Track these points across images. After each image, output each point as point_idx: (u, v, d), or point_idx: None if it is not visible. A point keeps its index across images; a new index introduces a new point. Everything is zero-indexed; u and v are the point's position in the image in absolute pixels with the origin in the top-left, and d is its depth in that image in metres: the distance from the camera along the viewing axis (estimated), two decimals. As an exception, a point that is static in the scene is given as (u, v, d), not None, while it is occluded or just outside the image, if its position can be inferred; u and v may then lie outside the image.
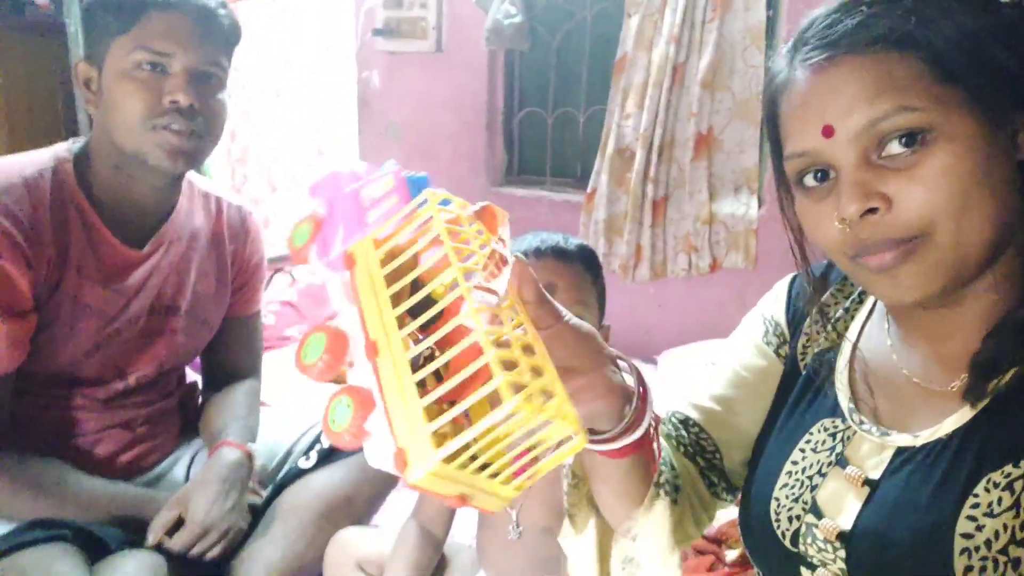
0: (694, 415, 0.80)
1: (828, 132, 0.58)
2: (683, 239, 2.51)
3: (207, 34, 1.06)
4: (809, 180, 0.62)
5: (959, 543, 0.57)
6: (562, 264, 0.92)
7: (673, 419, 0.82)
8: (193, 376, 1.41)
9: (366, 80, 3.07)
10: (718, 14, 2.33)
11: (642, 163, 2.47)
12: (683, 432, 0.80)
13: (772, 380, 0.78)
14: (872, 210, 0.57)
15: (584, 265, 0.94)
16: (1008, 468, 0.57)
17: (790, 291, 0.81)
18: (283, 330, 2.46)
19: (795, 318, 0.79)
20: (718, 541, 1.36)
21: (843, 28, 0.57)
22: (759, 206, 2.45)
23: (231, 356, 1.36)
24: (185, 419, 1.35)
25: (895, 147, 0.56)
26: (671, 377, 2.25)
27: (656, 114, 2.43)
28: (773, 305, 0.81)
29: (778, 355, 0.79)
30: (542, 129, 2.88)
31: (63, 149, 1.11)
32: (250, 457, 1.18)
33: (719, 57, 2.37)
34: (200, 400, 1.39)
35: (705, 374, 0.84)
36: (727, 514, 1.34)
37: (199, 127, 1.06)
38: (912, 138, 0.56)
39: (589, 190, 2.61)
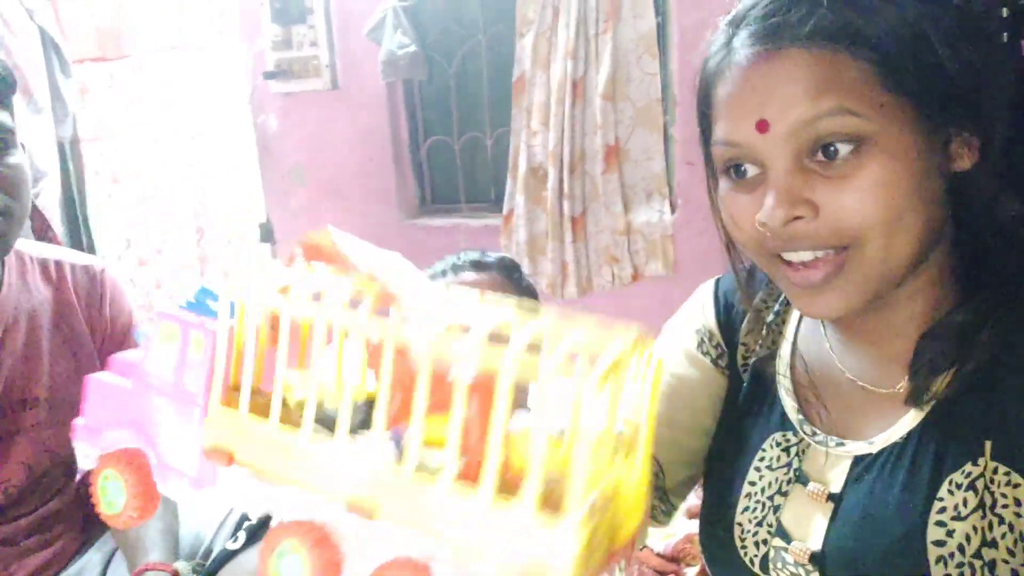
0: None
1: (763, 127, 0.55)
2: (604, 251, 2.52)
3: None
4: (733, 171, 0.59)
5: (933, 551, 0.55)
6: (481, 274, 0.91)
7: None
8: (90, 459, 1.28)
9: (263, 124, 2.98)
10: (610, 25, 2.36)
11: (556, 180, 2.46)
12: None
13: (713, 392, 0.74)
14: (797, 217, 0.54)
15: (503, 273, 0.93)
16: (968, 467, 0.55)
17: (716, 297, 0.77)
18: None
19: (728, 326, 0.75)
20: (676, 560, 1.33)
21: (790, 16, 0.54)
22: (672, 212, 2.48)
23: None
24: (88, 516, 1.23)
25: (829, 152, 0.53)
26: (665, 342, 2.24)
27: (562, 130, 2.44)
28: (702, 315, 0.77)
29: (717, 366, 0.75)
30: (450, 156, 2.85)
31: None
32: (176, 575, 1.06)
33: (616, 68, 2.39)
34: None
35: None
36: (684, 529, 1.31)
37: (1, 204, 0.94)
38: (849, 145, 0.53)
39: (506, 212, 2.59)
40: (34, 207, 2.67)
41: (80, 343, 1.15)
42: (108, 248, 3.15)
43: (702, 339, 0.76)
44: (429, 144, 2.87)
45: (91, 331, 1.16)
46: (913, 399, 0.59)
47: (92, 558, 1.17)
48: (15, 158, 0.98)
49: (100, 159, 3.12)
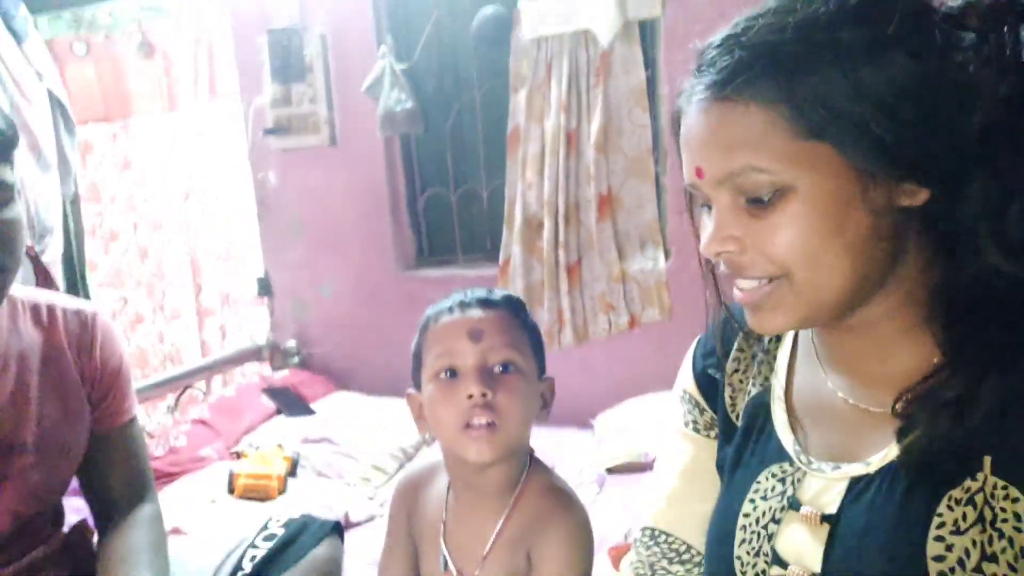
0: (659, 525, 0.79)
1: (699, 174, 0.60)
2: (600, 299, 2.53)
3: None
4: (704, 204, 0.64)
5: (933, 567, 0.54)
6: (488, 311, 0.90)
7: (643, 540, 0.80)
8: (82, 513, 1.26)
9: (262, 180, 3.02)
10: (601, 79, 2.43)
11: (551, 230, 2.50)
12: (655, 549, 0.78)
13: (710, 457, 0.77)
14: (725, 251, 0.60)
15: (510, 311, 0.92)
16: (967, 483, 0.55)
17: (694, 357, 0.81)
18: (196, 450, 2.30)
19: (706, 379, 0.78)
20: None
21: (717, 67, 0.58)
22: (666, 259, 2.50)
23: (112, 478, 1.20)
24: (75, 566, 1.20)
25: (753, 199, 0.58)
26: (609, 440, 2.22)
27: (557, 181, 2.48)
28: (683, 377, 0.81)
29: (701, 434, 0.78)
30: (447, 208, 2.88)
31: None
32: None
33: (607, 120, 2.45)
34: (96, 540, 1.24)
35: (652, 475, 0.83)
36: None
37: None
38: (758, 201, 0.58)
39: (502, 262, 2.62)
40: (39, 263, 2.69)
41: (69, 387, 1.13)
42: (104, 305, 3.16)
43: (685, 408, 0.80)
44: (426, 197, 2.91)
45: (81, 376, 1.15)
46: (904, 464, 0.59)
47: None
48: (12, 213, 0.98)
49: (98, 217, 3.16)
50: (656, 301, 2.49)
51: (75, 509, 1.25)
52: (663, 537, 0.78)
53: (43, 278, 2.65)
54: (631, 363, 2.53)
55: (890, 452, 0.60)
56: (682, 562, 0.77)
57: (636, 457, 2.08)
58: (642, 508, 0.82)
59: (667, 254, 2.51)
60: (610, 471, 2.11)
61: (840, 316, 0.61)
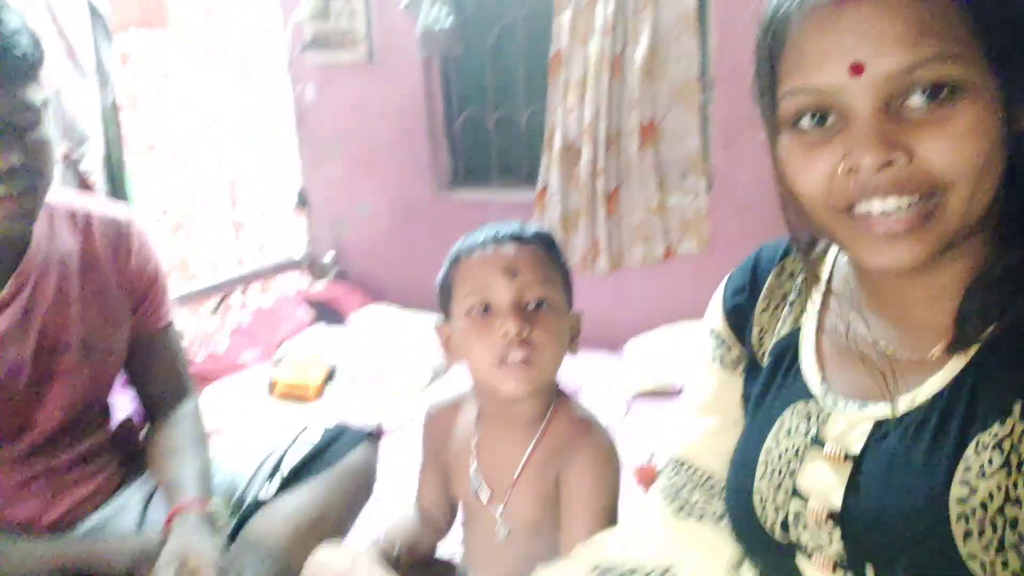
0: (684, 457, 0.79)
1: (858, 70, 0.52)
2: (637, 229, 2.52)
3: (6, 83, 0.92)
4: (806, 122, 0.57)
5: (955, 509, 0.55)
6: (521, 247, 0.91)
7: (668, 470, 0.81)
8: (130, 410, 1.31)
9: (301, 95, 3.01)
10: (649, 3, 2.34)
11: (590, 157, 2.46)
12: (678, 478, 0.79)
13: (736, 391, 0.77)
14: (890, 162, 0.53)
15: (544, 247, 0.93)
16: (995, 428, 0.55)
17: (724, 293, 0.79)
18: (236, 356, 2.37)
19: (736, 316, 0.77)
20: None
21: None
22: (708, 191, 2.47)
23: (153, 378, 1.26)
24: (126, 456, 1.26)
25: (919, 99, 0.52)
26: (638, 365, 2.25)
27: (598, 107, 2.43)
28: (711, 314, 0.80)
29: (726, 367, 0.77)
30: (484, 131, 2.85)
31: None
32: (212, 516, 1.09)
33: (654, 45, 2.38)
34: (144, 434, 1.30)
35: (679, 408, 0.83)
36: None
37: (27, 183, 0.95)
38: (939, 91, 0.52)
39: (539, 188, 2.60)
40: (77, 171, 2.74)
41: (109, 293, 1.17)
42: (144, 214, 3.21)
43: (713, 343, 0.79)
44: (463, 118, 2.88)
45: (118, 282, 1.18)
46: (957, 347, 0.58)
47: (132, 496, 1.21)
48: (39, 135, 0.97)
49: (138, 126, 3.17)
50: (695, 233, 2.47)
51: (123, 406, 1.32)
52: (687, 467, 0.79)
53: (82, 185, 2.70)
54: (665, 292, 2.53)
55: (919, 396, 0.60)
56: (704, 491, 0.78)
57: (665, 385, 2.11)
58: (668, 440, 0.83)
59: (709, 186, 2.47)
60: (638, 396, 2.15)
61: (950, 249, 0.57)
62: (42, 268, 1.08)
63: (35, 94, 0.96)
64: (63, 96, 2.63)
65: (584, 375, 2.19)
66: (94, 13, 2.78)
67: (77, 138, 2.85)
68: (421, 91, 2.83)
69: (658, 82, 2.43)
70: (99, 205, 1.21)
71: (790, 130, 0.59)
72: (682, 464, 0.80)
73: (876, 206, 0.54)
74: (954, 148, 0.52)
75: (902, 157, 0.53)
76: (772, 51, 0.59)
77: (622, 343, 2.42)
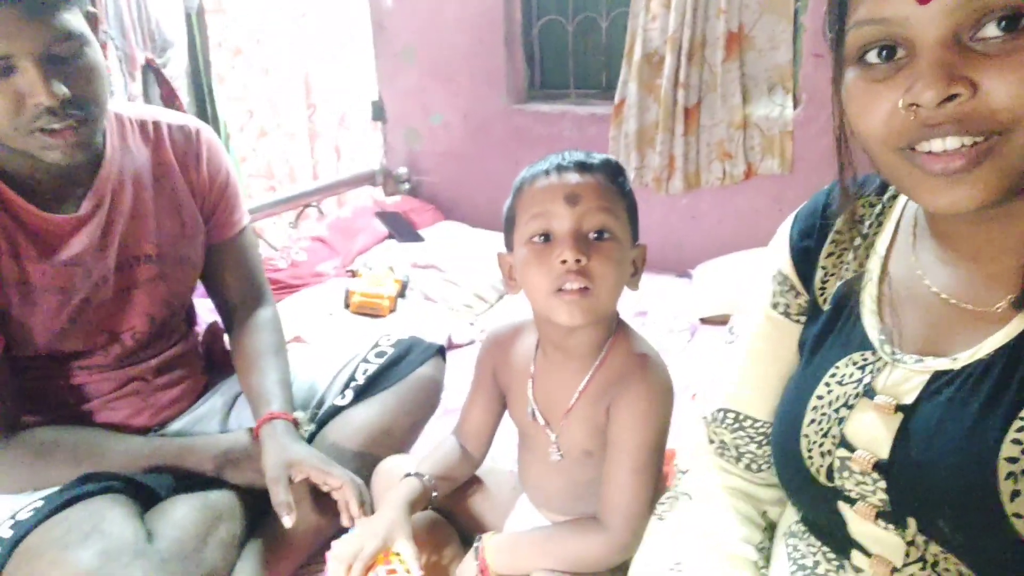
0: (731, 406, 0.79)
1: None
2: (717, 146, 2.42)
3: (43, 9, 0.91)
4: (872, 56, 0.55)
5: (1004, 467, 0.54)
6: (584, 174, 0.89)
7: (715, 417, 0.81)
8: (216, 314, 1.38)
9: (379, 3, 2.96)
10: (746, -102, 2.16)
11: (672, 68, 2.35)
12: (724, 426, 0.80)
13: (794, 342, 0.75)
14: (952, 97, 0.50)
15: (608, 176, 0.91)
16: None
17: (790, 235, 0.76)
18: (315, 266, 2.47)
19: (802, 259, 0.74)
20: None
21: None
22: (795, 107, 2.34)
23: (230, 284, 1.30)
24: (211, 360, 1.35)
25: (992, 29, 0.49)
26: (706, 291, 2.22)
27: (684, 13, 2.30)
28: (777, 256, 0.77)
29: (790, 318, 0.75)
30: (563, 39, 2.75)
31: None
32: (296, 424, 1.16)
33: (748, -53, 2.21)
34: (227, 339, 1.37)
35: (726, 354, 0.82)
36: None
37: (79, 111, 0.95)
38: (1016, 20, 0.49)
39: (617, 101, 2.51)
40: (161, 76, 2.81)
41: (182, 202, 1.19)
42: (232, 118, 3.29)
43: (775, 289, 0.76)
44: (541, 24, 2.78)
45: (190, 189, 1.20)
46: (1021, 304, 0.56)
47: (216, 401, 1.30)
48: (85, 60, 0.96)
49: (224, 31, 3.21)
50: (778, 151, 2.36)
51: (210, 309, 1.39)
52: (734, 415, 0.79)
53: (167, 91, 2.77)
54: (742, 215, 2.46)
55: (980, 350, 0.58)
56: (752, 437, 0.79)
57: (733, 311, 2.07)
58: (716, 387, 0.83)
59: (796, 101, 2.34)
60: (704, 321, 2.13)
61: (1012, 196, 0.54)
62: (117, 182, 1.10)
63: (74, 20, 0.94)
64: (147, 2, 2.66)
65: (650, 299, 2.18)
66: (177, -83, 2.77)
67: (160, 44, 2.91)
68: (500, -5, 2.74)
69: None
70: (168, 115, 1.21)
71: (856, 64, 0.56)
72: (729, 413, 0.80)
73: (936, 145, 0.52)
74: (1020, 83, 0.49)
75: (965, 91, 0.50)
76: None
77: (692, 267, 2.39)
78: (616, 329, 0.97)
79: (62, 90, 0.92)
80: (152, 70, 2.66)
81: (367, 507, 1.07)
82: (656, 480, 0.92)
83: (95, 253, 1.08)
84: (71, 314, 1.06)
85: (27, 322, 1.03)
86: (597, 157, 0.92)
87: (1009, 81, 0.49)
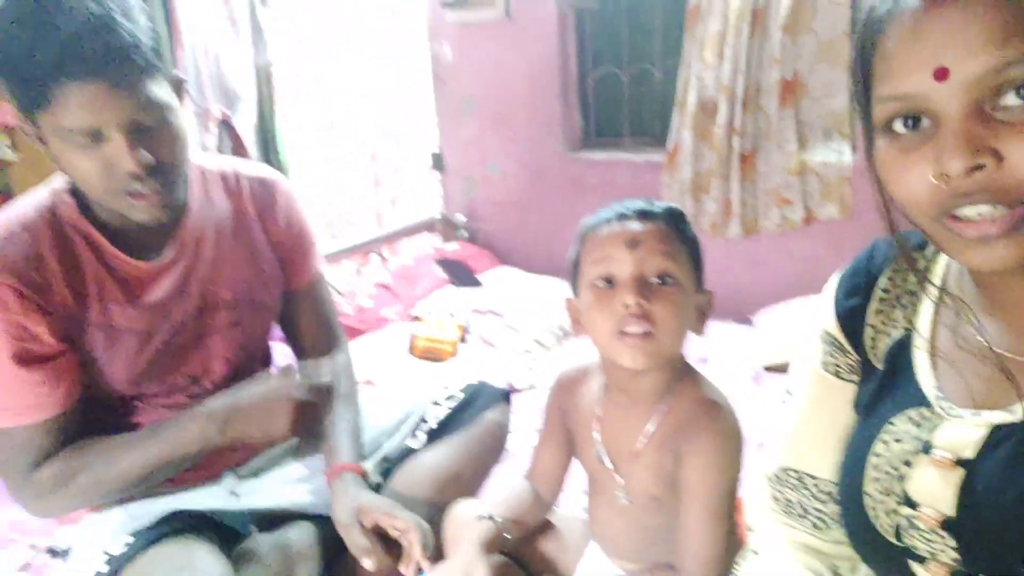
0: (793, 465, 0.80)
1: (942, 75, 0.52)
2: (774, 192, 2.43)
3: (130, 84, 0.94)
4: (899, 126, 0.56)
5: None
6: (647, 222, 0.92)
7: (777, 479, 0.81)
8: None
9: (439, 55, 3.08)
10: (799, -48, 2.21)
11: (726, 115, 2.39)
12: (787, 487, 0.80)
13: (847, 401, 0.76)
14: (978, 167, 0.51)
15: (669, 223, 0.93)
16: None
17: (836, 296, 0.76)
18: (380, 311, 2.54)
19: (848, 319, 0.74)
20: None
21: None
22: (852, 152, 2.34)
23: (304, 328, 1.34)
24: None
25: (1012, 98, 0.51)
26: (769, 338, 2.20)
27: (737, 63, 2.34)
28: (823, 317, 0.77)
29: (841, 377, 0.76)
30: (618, 88, 2.82)
31: (61, 181, 1.07)
32: (364, 475, 1.19)
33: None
34: None
35: (784, 413, 0.82)
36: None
37: (162, 175, 0.99)
38: None
39: (670, 148, 2.55)
40: (231, 128, 2.96)
41: (259, 249, 1.23)
42: (297, 169, 3.43)
43: (824, 349, 0.77)
44: (597, 75, 2.86)
45: (267, 238, 1.24)
46: None
47: (293, 439, 1.31)
48: (168, 130, 1.00)
49: (290, 85, 3.37)
50: (836, 197, 2.35)
51: (286, 356, 1.45)
52: (796, 474, 0.79)
53: (236, 143, 2.91)
54: (802, 261, 2.45)
55: None
56: (815, 496, 0.79)
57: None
58: (776, 447, 0.83)
59: (853, 147, 2.34)
60: (768, 369, 2.11)
61: None
62: (199, 231, 1.15)
63: (158, 90, 0.98)
64: (221, 59, 2.81)
65: (711, 345, 2.18)
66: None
67: (231, 98, 3.08)
68: (556, 48, 2.82)
69: (803, 37, 2.30)
70: (247, 167, 1.26)
71: (885, 133, 0.58)
72: (791, 473, 0.80)
73: (970, 212, 0.53)
74: None
75: (991, 161, 0.51)
76: (864, 54, 0.58)
77: (752, 313, 2.38)
78: (683, 374, 0.98)
79: (147, 158, 0.96)
80: (223, 123, 2.79)
81: (429, 551, 1.07)
82: (729, 526, 0.92)
83: (176, 298, 1.13)
84: (150, 357, 1.11)
85: (109, 363, 1.08)
86: (659, 205, 0.94)
87: None
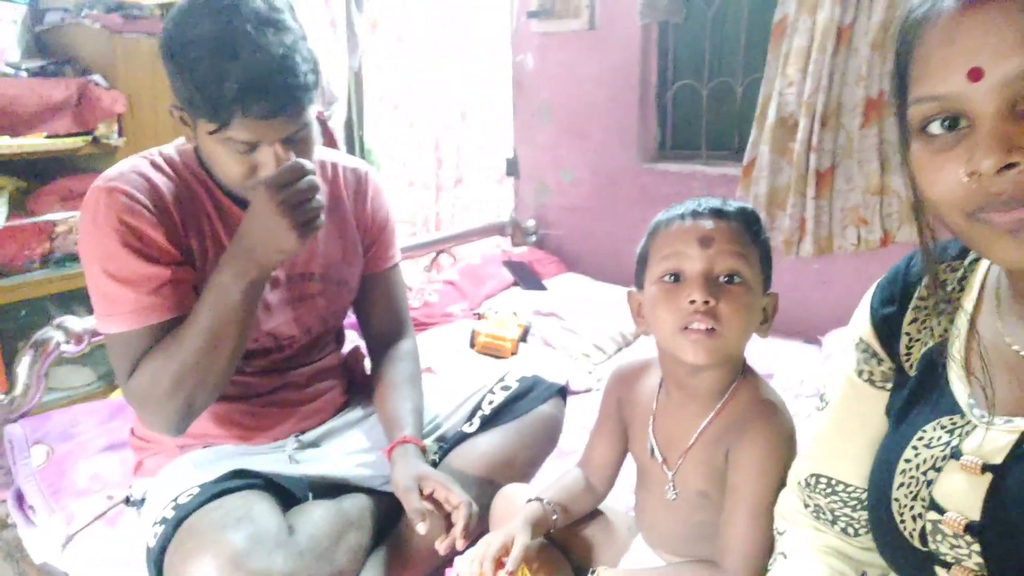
0: (824, 471, 0.80)
1: (976, 75, 0.53)
2: (852, 211, 2.37)
3: (293, 113, 1.05)
4: (935, 127, 0.57)
5: None
6: (720, 220, 0.92)
7: (807, 483, 0.82)
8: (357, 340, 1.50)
9: (521, 63, 3.14)
10: (891, -32, 2.16)
11: (806, 132, 2.34)
12: (818, 492, 0.80)
13: (880, 408, 0.76)
14: (1011, 165, 0.52)
15: (742, 222, 0.93)
16: None
17: (871, 304, 0.77)
18: (445, 307, 2.60)
19: (883, 326, 0.75)
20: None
21: None
22: (938, 174, 2.26)
23: (377, 312, 1.42)
24: (352, 380, 1.45)
25: None
26: (837, 358, 2.14)
27: (820, 79, 2.30)
28: (859, 324, 0.78)
29: (875, 385, 0.76)
30: (696, 102, 2.81)
31: (186, 139, 1.16)
32: (424, 451, 1.23)
33: (889, 16, 2.20)
34: (367, 363, 1.48)
35: (817, 420, 0.83)
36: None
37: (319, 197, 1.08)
38: None
39: (746, 162, 2.53)
40: (325, 126, 3.10)
41: (347, 230, 1.34)
42: (385, 168, 3.55)
43: (859, 357, 0.77)
44: (676, 88, 2.86)
45: (356, 222, 1.36)
46: None
47: (353, 415, 1.40)
48: (308, 140, 1.12)
49: (384, 87, 3.50)
50: (916, 222, 2.27)
51: (352, 340, 1.53)
52: (826, 480, 0.80)
53: (328, 140, 3.05)
54: (872, 282, 2.37)
55: None
56: (845, 502, 0.79)
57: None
58: (808, 452, 0.83)
59: (939, 170, 2.26)
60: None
61: None
62: None
63: (311, 113, 1.11)
64: (322, 62, 2.95)
65: (778, 363, 2.14)
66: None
67: (328, 99, 3.22)
68: (637, 60, 2.83)
69: (890, 55, 2.24)
70: (344, 158, 1.39)
71: (920, 135, 0.59)
72: (822, 479, 0.80)
73: (1001, 216, 0.54)
74: None
75: (1023, 161, 0.52)
76: (901, 58, 0.60)
77: (822, 334, 2.32)
78: (742, 374, 0.98)
79: (290, 158, 1.06)
80: (319, 121, 2.93)
81: (471, 531, 1.09)
82: (772, 526, 0.92)
83: None
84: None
85: None
86: (733, 204, 0.95)
87: None
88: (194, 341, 1.06)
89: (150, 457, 1.28)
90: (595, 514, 1.16)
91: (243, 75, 0.99)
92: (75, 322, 1.61)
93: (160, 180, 1.14)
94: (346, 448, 1.33)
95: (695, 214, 0.93)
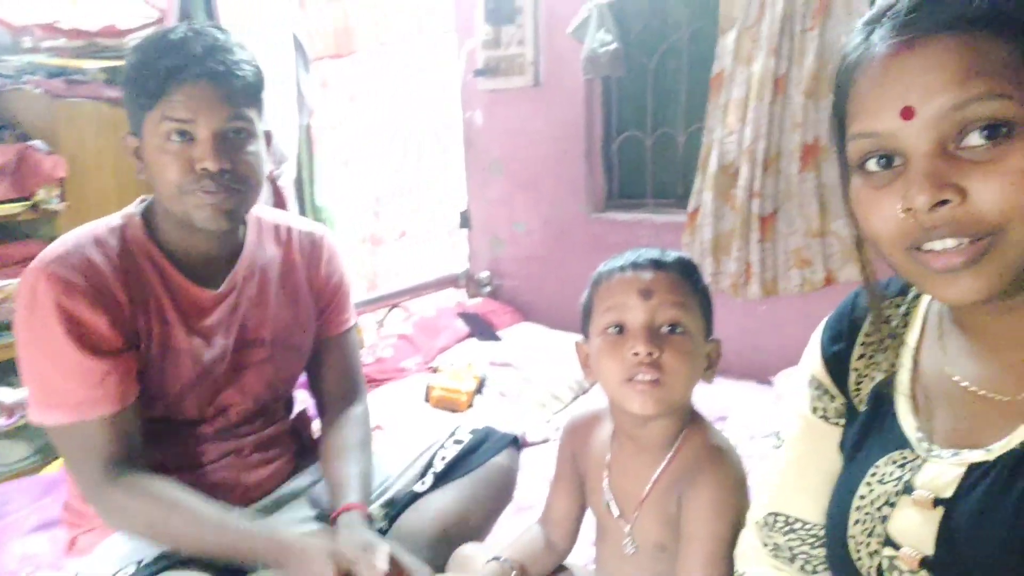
0: (782, 510, 0.80)
1: (908, 114, 0.55)
2: (795, 253, 2.44)
3: (229, 96, 1.08)
4: (871, 165, 0.59)
5: None
6: (659, 271, 0.93)
7: (766, 522, 0.81)
8: (306, 403, 1.46)
9: (470, 119, 3.19)
10: (818, 22, 2.27)
11: (747, 178, 2.42)
12: (776, 530, 0.80)
13: (834, 444, 0.77)
14: (943, 202, 0.54)
15: (681, 272, 0.94)
16: None
17: (822, 341, 0.78)
18: (399, 362, 2.57)
19: (834, 363, 0.76)
20: None
21: (933, 6, 0.54)
22: (875, 215, 2.34)
23: (330, 376, 1.39)
24: (300, 445, 1.41)
25: (975, 138, 0.53)
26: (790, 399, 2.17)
27: (759, 127, 2.39)
28: (810, 362, 0.79)
29: (829, 421, 0.77)
30: (641, 152, 2.88)
31: (132, 207, 1.18)
32: (370, 518, 1.20)
33: (820, 65, 2.30)
34: (315, 426, 1.44)
35: (774, 458, 0.83)
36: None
37: (233, 184, 1.10)
38: (996, 130, 0.53)
39: (691, 209, 2.59)
40: (276, 187, 3.08)
41: (299, 296, 1.32)
42: (338, 224, 3.54)
43: (812, 393, 0.78)
44: (621, 139, 2.93)
45: (309, 287, 1.34)
46: None
47: (302, 482, 1.35)
48: (251, 148, 1.13)
49: (335, 145, 3.52)
50: (857, 259, 2.34)
51: (301, 401, 1.49)
52: (784, 518, 0.80)
53: (278, 200, 3.03)
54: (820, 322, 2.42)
55: (1012, 440, 0.58)
56: (804, 540, 0.79)
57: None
58: (765, 491, 0.84)
59: (875, 211, 2.34)
60: (787, 429, 2.07)
61: (1020, 288, 0.57)
62: (249, 271, 1.25)
63: (252, 116, 1.12)
64: (273, 121, 2.96)
65: (731, 404, 2.15)
66: (297, 46, 3.12)
67: (278, 158, 3.21)
68: (582, 114, 2.91)
69: (823, 102, 2.34)
70: (299, 221, 1.38)
71: (859, 172, 0.60)
72: (780, 517, 0.80)
73: (937, 245, 0.56)
74: (1005, 188, 0.52)
75: (955, 197, 0.53)
76: (839, 98, 0.62)
77: (773, 374, 2.35)
78: (691, 422, 0.98)
79: (223, 164, 1.07)
80: (269, 180, 2.92)
81: None
82: (729, 570, 0.90)
83: (223, 328, 1.20)
84: (191, 381, 1.17)
85: (158, 382, 1.14)
86: (671, 255, 0.96)
87: (994, 187, 0.53)
88: (188, 532, 1.08)
89: (84, 534, 1.21)
90: (558, 570, 1.14)
91: (181, 48, 1.05)
92: (7, 393, 1.54)
93: (102, 260, 1.10)
94: (297, 516, 1.28)
95: (635, 266, 0.94)
